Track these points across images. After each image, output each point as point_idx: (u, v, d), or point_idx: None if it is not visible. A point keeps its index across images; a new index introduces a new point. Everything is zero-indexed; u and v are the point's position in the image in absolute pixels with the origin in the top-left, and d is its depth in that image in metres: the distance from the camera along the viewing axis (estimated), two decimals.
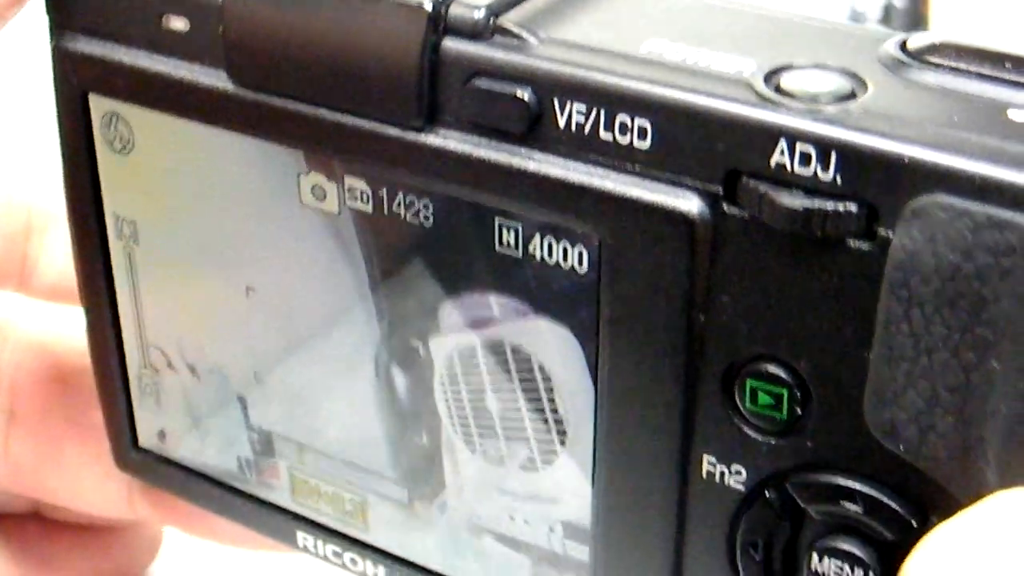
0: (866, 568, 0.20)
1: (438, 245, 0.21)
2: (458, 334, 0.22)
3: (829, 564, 0.20)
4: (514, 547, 0.23)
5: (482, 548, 0.23)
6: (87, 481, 0.30)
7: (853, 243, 0.18)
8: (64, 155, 0.26)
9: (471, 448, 0.23)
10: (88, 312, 0.27)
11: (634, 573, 0.22)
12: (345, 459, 0.25)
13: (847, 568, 0.20)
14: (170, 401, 0.27)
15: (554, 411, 0.21)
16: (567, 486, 0.22)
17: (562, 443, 0.21)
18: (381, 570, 0.26)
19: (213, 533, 0.31)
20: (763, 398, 0.19)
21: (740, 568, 0.21)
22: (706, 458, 0.20)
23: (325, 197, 0.22)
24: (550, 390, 0.21)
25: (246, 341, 0.25)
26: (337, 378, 0.24)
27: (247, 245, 0.24)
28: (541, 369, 0.21)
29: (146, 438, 0.28)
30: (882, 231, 0.18)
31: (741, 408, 0.20)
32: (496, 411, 0.22)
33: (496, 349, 0.21)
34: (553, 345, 0.21)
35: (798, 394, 0.19)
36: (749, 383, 0.19)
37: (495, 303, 0.21)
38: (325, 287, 0.23)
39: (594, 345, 0.20)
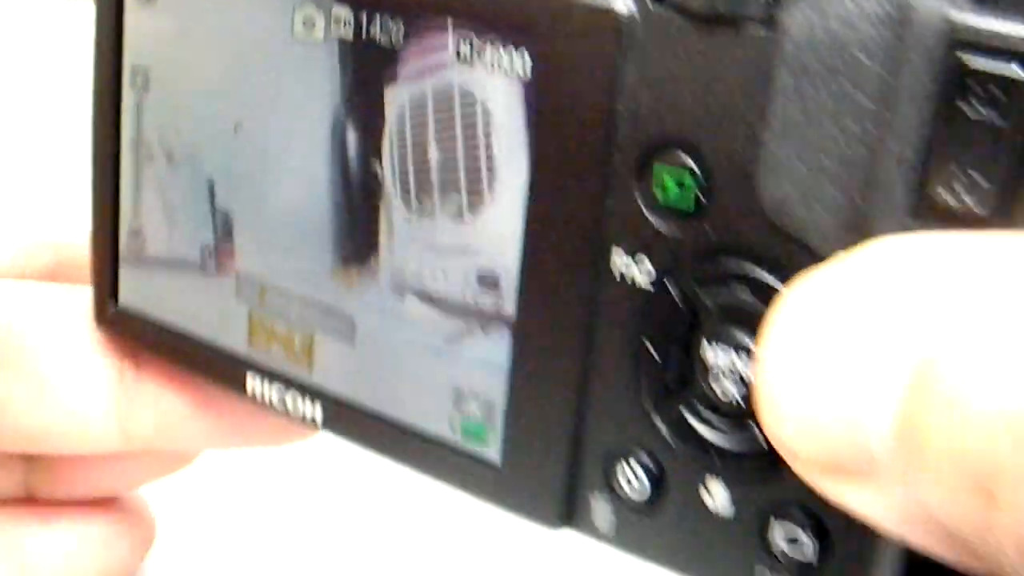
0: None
1: (405, 66, 0.24)
2: (412, 83, 0.24)
3: (721, 354, 0.21)
4: (430, 303, 0.24)
5: (404, 310, 0.25)
6: (78, 411, 0.31)
7: (755, 28, 0.20)
8: (98, 11, 0.29)
9: (407, 204, 0.24)
10: (95, 164, 0.30)
11: (550, 334, 0.23)
12: (298, 293, 0.27)
13: (734, 356, 0.21)
14: (147, 200, 0.29)
15: (488, 155, 0.23)
16: (487, 234, 0.23)
17: (490, 188, 0.23)
18: (318, 409, 0.27)
19: (208, 438, 0.32)
20: (670, 186, 0.21)
21: (639, 364, 0.22)
22: (615, 251, 0.22)
23: (314, 27, 0.25)
24: (488, 134, 0.23)
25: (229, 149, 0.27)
26: (294, 146, 0.26)
27: (241, 84, 0.27)
28: (484, 110, 0.23)
29: (127, 290, 0.30)
30: (780, 15, 0.20)
31: (651, 197, 0.21)
32: (436, 161, 0.24)
33: (445, 94, 0.23)
34: (499, 85, 0.23)
35: (703, 181, 0.21)
36: (658, 170, 0.21)
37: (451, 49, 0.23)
38: (305, 112, 0.26)
39: (534, 113, 0.22)
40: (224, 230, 0.28)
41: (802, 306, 0.18)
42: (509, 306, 0.23)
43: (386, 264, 0.25)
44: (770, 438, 0.18)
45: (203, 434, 0.32)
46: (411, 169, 0.24)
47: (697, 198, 0.21)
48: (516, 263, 0.23)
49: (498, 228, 0.23)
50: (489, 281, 0.23)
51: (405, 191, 0.24)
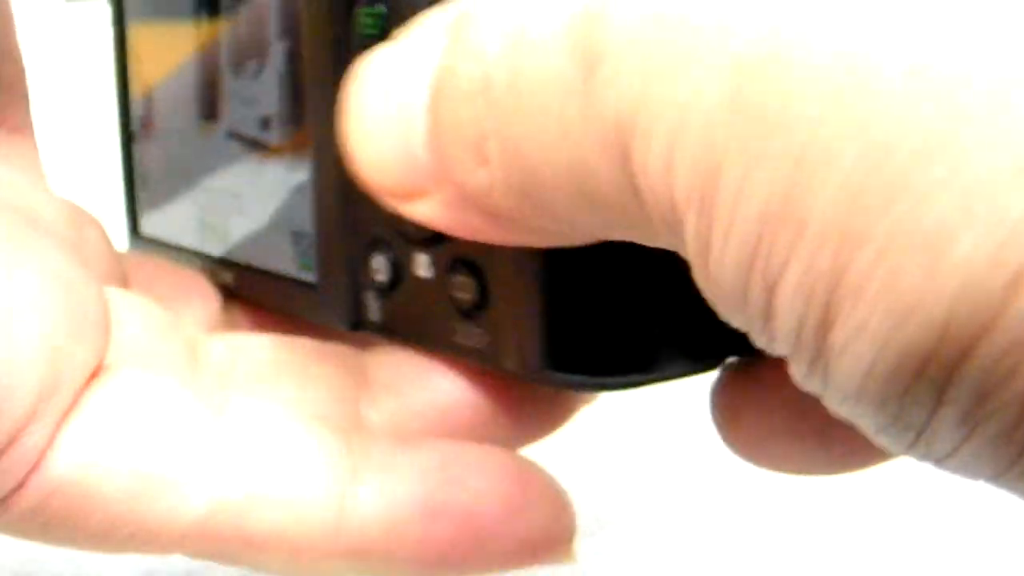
0: None
1: None
2: None
3: None
4: (242, 142, 0.33)
5: (229, 147, 0.33)
6: None
7: None
8: None
9: (232, 70, 0.33)
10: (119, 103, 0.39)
11: (320, 167, 0.30)
12: (219, 188, 0.35)
13: None
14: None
15: (266, 32, 0.31)
16: (266, 89, 0.32)
17: (268, 55, 0.31)
18: (231, 276, 0.35)
19: None
20: (369, 23, 0.28)
21: None
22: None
23: None
24: (264, 15, 0.31)
25: None
26: (181, 33, 0.35)
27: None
28: None
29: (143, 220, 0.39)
30: None
31: (360, 36, 0.28)
32: (244, 36, 0.32)
33: None
34: None
35: (386, 13, 0.27)
36: (360, 13, 0.28)
37: None
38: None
39: None
40: (148, 112, 0.37)
41: (356, 77, 0.22)
42: (276, 140, 0.32)
43: (222, 116, 0.34)
44: (360, 182, 0.21)
45: None
46: (234, 44, 0.33)
47: (382, 27, 0.27)
48: (277, 109, 0.31)
49: (270, 85, 0.31)
50: (268, 123, 0.32)
51: (231, 60, 0.33)
